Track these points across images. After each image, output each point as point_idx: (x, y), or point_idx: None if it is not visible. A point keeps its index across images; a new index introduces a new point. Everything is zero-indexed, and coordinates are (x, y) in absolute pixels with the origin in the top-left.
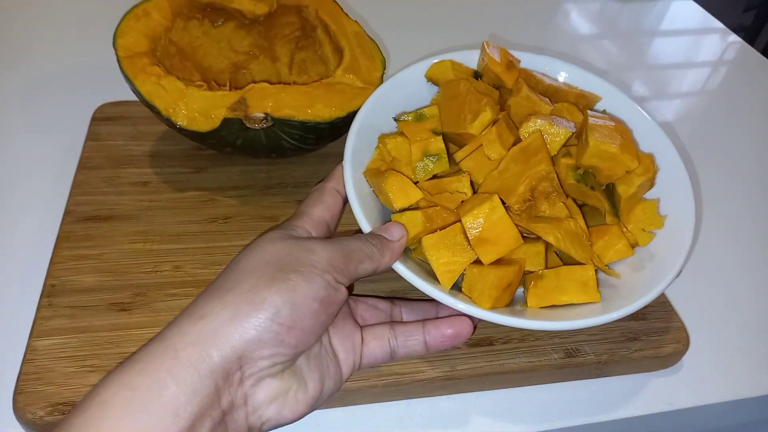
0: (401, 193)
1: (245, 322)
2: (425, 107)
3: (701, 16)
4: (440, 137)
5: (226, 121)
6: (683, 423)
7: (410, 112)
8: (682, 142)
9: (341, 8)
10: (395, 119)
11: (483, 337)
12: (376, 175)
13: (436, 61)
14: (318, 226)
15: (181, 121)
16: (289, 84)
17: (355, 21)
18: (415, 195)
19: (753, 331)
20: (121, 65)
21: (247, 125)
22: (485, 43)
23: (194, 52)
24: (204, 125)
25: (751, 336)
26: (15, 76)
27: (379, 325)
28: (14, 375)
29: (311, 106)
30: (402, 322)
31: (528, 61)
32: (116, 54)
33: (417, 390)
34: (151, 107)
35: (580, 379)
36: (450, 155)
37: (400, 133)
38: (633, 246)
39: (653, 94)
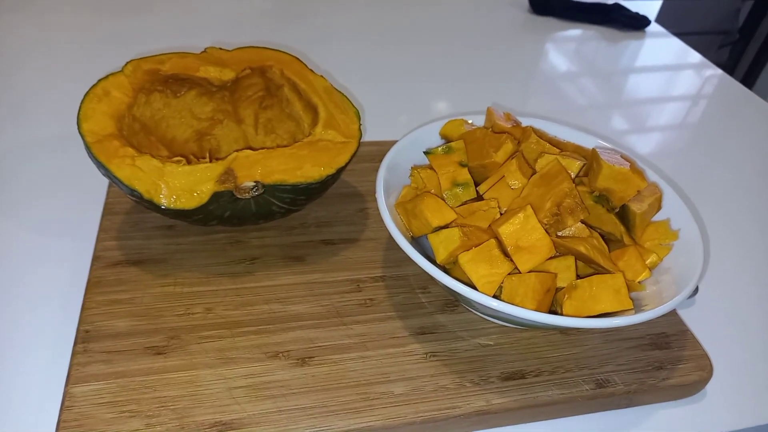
0: (437, 213)
1: None
2: (452, 142)
3: (680, 50)
4: (466, 168)
5: (215, 195)
6: None
7: (440, 146)
8: (668, 174)
9: (306, 66)
10: (426, 153)
11: (515, 370)
12: (409, 202)
13: (449, 120)
14: None
15: (166, 202)
16: (272, 148)
17: (322, 76)
18: (449, 215)
19: None
20: (91, 151)
21: (238, 196)
22: (490, 108)
23: (157, 125)
24: (190, 202)
25: None
26: (46, 129)
27: None
28: (52, 424)
29: (300, 168)
30: None
31: (528, 123)
32: (84, 140)
33: (453, 426)
34: (132, 192)
35: (610, 409)
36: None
37: (430, 167)
38: (651, 267)
39: (635, 128)
